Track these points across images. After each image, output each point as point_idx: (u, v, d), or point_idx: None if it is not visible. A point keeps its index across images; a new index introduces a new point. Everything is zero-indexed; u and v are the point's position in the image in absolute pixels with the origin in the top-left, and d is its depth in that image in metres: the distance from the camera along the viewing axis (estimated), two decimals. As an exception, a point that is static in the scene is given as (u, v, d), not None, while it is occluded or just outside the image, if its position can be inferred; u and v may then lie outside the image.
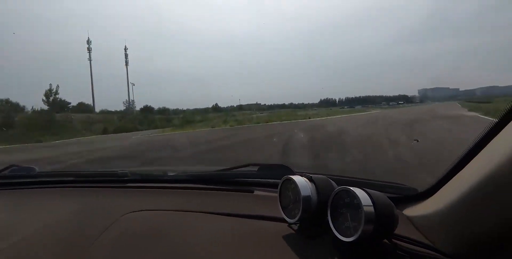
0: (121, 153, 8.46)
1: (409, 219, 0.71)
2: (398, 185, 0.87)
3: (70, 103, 38.85)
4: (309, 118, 26.25)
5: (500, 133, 0.54)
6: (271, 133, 11.08)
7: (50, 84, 34.73)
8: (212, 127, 19.48)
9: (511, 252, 0.49)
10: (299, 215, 0.64)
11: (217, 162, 5.41)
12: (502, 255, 0.50)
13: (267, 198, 0.89)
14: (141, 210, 0.80)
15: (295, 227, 0.68)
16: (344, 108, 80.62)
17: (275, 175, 0.95)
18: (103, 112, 36.50)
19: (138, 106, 46.68)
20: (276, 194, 0.73)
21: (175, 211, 0.80)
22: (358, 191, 0.57)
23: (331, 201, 0.61)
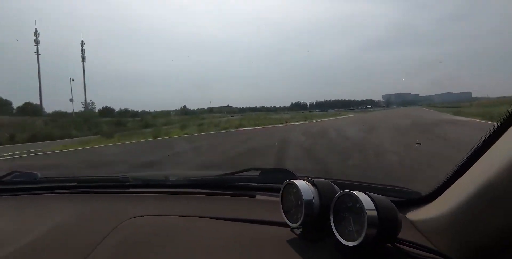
0: None
1: (412, 223, 0.71)
2: (401, 188, 0.87)
3: (11, 103, 33.31)
4: (286, 122, 23.33)
5: (503, 136, 0.55)
6: (242, 149, 7.08)
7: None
8: (155, 137, 12.93)
9: None
10: (301, 219, 0.63)
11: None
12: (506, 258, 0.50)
13: (269, 203, 0.88)
14: (143, 215, 0.79)
15: (298, 231, 0.67)
16: (314, 111, 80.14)
17: (277, 179, 0.93)
18: (56, 113, 30.65)
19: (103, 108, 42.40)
20: (278, 199, 0.72)
21: (177, 216, 0.80)
22: (360, 195, 0.56)
23: (334, 205, 0.61)
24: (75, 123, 22.08)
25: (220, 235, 0.68)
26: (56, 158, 8.27)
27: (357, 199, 0.56)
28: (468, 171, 0.61)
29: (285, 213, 0.70)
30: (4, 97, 32.33)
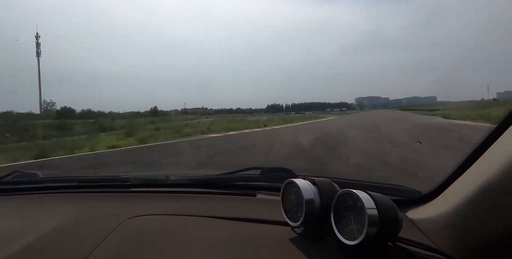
0: None
1: (413, 221, 0.71)
2: (401, 187, 0.87)
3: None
4: (265, 126, 20.32)
5: (502, 136, 0.55)
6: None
7: None
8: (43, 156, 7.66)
9: None
10: (302, 218, 0.63)
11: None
12: (506, 258, 0.50)
13: (270, 202, 0.88)
14: (143, 215, 0.79)
15: (298, 230, 0.67)
16: (291, 114, 78.83)
17: (277, 178, 0.93)
18: (5, 114, 25.50)
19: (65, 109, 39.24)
20: (279, 198, 0.72)
21: (178, 215, 0.79)
22: (361, 194, 0.56)
23: (334, 204, 0.61)
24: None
25: (221, 234, 0.67)
26: None
27: (357, 198, 0.55)
28: (468, 170, 0.61)
29: (286, 212, 0.69)
30: None
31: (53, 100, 42.21)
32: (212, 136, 12.35)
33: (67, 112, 38.05)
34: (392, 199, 0.59)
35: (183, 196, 0.98)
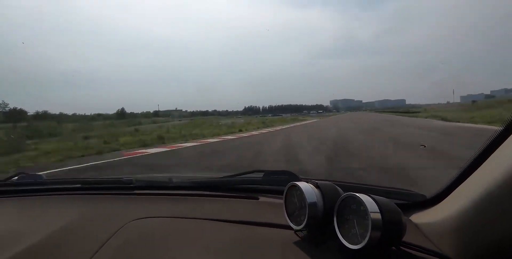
0: None
1: (417, 226, 0.70)
2: (405, 191, 0.86)
3: None
4: (240, 130, 17.16)
5: (508, 139, 0.54)
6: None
7: None
8: None
9: None
10: (305, 221, 0.62)
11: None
12: None
13: (273, 205, 0.88)
14: (146, 217, 0.79)
15: (301, 234, 0.66)
16: (267, 116, 76.91)
17: (280, 181, 0.93)
18: None
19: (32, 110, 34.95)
20: (282, 201, 0.72)
21: (180, 218, 0.79)
22: (364, 198, 0.56)
23: (337, 208, 0.60)
24: None
25: (223, 237, 0.67)
26: None
27: (361, 202, 0.55)
28: (473, 174, 0.60)
29: (289, 215, 0.69)
30: None
31: (5, 101, 36.87)
32: (150, 153, 8.35)
33: (17, 114, 34.25)
34: (396, 203, 0.58)
35: (186, 198, 0.97)
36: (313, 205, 0.62)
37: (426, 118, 22.20)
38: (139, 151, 8.94)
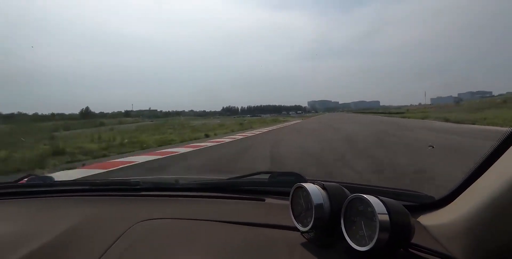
0: None
1: (425, 228, 0.69)
2: (414, 192, 0.85)
3: None
4: (207, 135, 13.45)
5: None
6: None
7: None
8: None
9: None
10: (311, 223, 0.62)
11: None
12: None
13: (279, 206, 0.87)
14: (153, 219, 0.79)
15: (308, 235, 0.66)
16: (246, 116, 74.20)
17: (286, 183, 0.93)
18: None
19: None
20: (288, 202, 0.72)
21: (187, 219, 0.80)
22: (372, 199, 0.55)
23: (345, 209, 0.60)
24: None
25: (229, 239, 0.67)
26: None
27: (368, 203, 0.55)
28: (482, 175, 0.59)
29: (295, 217, 0.69)
30: None
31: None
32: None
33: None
34: (404, 205, 0.58)
35: (192, 200, 0.98)
36: (319, 206, 0.62)
37: (422, 118, 20.58)
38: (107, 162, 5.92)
